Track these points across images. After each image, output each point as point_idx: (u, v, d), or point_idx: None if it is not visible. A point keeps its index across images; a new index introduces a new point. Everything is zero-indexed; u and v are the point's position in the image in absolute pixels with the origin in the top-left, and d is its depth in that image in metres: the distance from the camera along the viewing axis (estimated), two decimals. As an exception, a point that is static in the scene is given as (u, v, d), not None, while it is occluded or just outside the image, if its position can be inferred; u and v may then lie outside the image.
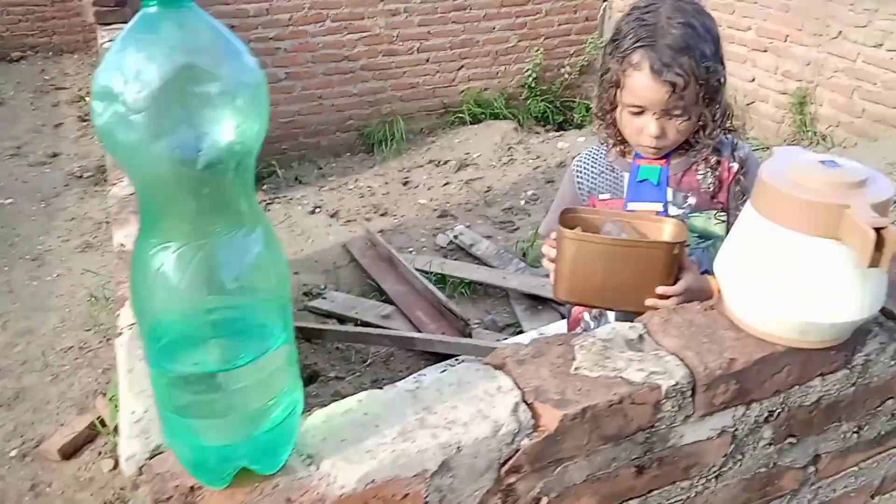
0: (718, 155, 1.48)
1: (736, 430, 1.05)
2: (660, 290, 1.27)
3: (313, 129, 5.81)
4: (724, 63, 1.41)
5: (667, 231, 1.34)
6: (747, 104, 5.43)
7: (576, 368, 0.96)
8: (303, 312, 3.84)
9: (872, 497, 1.32)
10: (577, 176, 1.61)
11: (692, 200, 1.47)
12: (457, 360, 3.23)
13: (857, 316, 0.98)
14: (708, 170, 1.48)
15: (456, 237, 4.57)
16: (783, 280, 0.98)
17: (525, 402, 0.90)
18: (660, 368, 0.98)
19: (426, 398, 0.87)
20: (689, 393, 0.98)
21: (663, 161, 1.47)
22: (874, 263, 0.90)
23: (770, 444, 1.11)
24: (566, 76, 6.54)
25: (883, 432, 1.23)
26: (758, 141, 5.32)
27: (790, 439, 1.13)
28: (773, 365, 1.03)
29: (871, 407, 1.18)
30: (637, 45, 1.37)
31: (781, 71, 5.17)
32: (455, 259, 4.37)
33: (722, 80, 1.39)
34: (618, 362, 0.98)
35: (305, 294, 3.98)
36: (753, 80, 5.38)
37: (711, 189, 1.47)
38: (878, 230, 0.90)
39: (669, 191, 1.47)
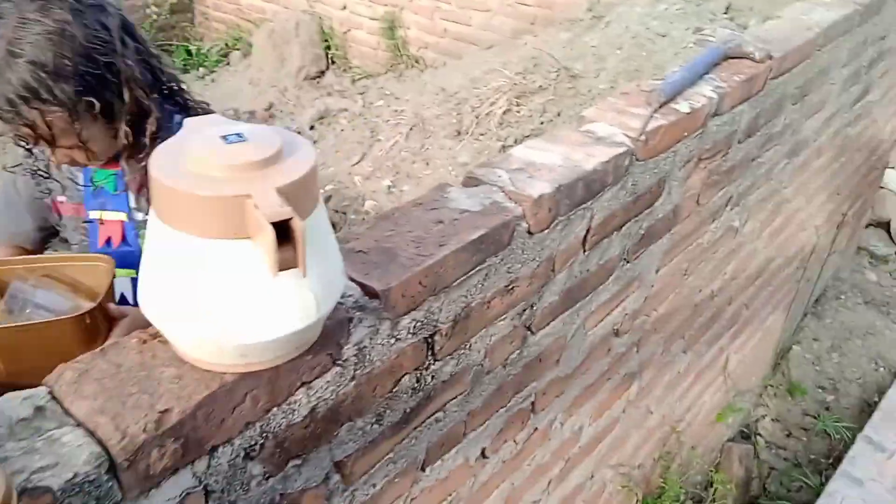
0: None
1: (207, 485, 0.84)
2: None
3: None
4: (116, 68, 1.17)
5: (99, 273, 1.13)
6: (344, 33, 5.38)
7: None
8: None
9: (423, 469, 1.24)
10: (37, 174, 1.28)
11: None
12: None
13: (306, 321, 0.80)
14: None
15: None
16: (201, 300, 0.76)
17: None
18: (52, 460, 0.71)
19: None
20: (107, 476, 0.73)
21: (117, 164, 1.21)
22: (285, 265, 0.72)
23: (267, 478, 0.92)
24: (155, 17, 5.90)
25: (409, 408, 1.13)
26: (360, 70, 5.31)
27: (294, 462, 0.95)
28: (228, 399, 0.82)
29: (384, 392, 1.06)
30: None
31: (369, -4, 5.18)
32: None
33: (113, 98, 1.18)
34: (-22, 471, 0.68)
35: None
36: (345, 7, 5.32)
37: None
38: (281, 224, 0.71)
39: (131, 196, 1.23)
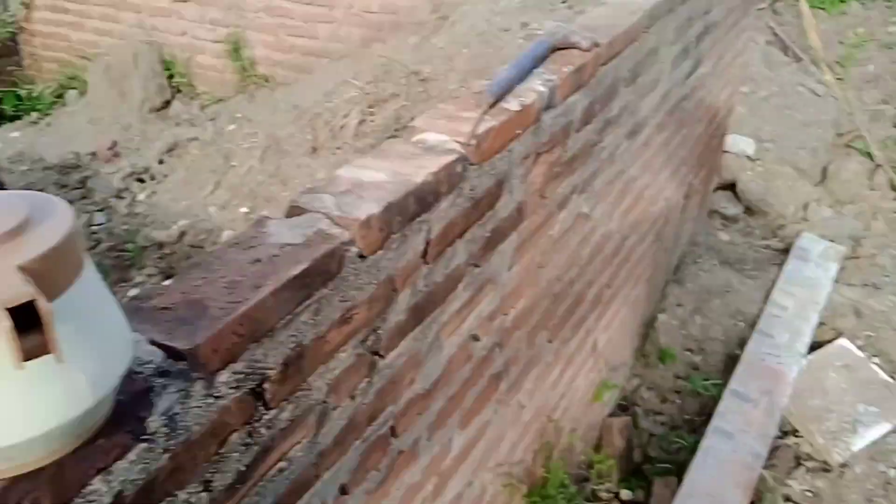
0: None
1: None
2: None
3: None
4: None
5: None
6: (187, 59, 5.12)
7: None
8: None
9: (275, 524, 1.14)
10: None
11: None
12: None
13: (80, 408, 0.69)
14: None
15: None
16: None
17: None
18: None
19: None
20: None
21: None
22: (33, 353, 0.61)
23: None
24: (-23, 64, 5.41)
25: (243, 466, 1.03)
26: (209, 95, 5.08)
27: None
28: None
29: (209, 456, 0.95)
30: None
31: (209, 19, 4.95)
32: None
33: None
34: None
35: None
36: (185, 33, 5.07)
37: None
38: (25, 306, 0.60)
39: None
